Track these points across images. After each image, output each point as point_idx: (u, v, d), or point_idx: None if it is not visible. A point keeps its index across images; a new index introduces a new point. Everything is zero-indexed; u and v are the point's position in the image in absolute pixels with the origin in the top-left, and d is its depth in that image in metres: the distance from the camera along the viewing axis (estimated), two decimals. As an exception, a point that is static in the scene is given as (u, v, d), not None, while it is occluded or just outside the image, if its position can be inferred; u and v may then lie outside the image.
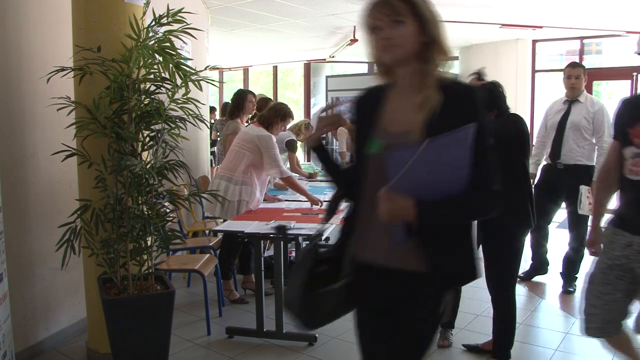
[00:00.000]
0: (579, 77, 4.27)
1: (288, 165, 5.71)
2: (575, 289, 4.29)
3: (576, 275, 4.33)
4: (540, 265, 4.57)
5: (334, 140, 6.82)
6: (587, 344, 3.38)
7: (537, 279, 4.63)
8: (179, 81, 2.75)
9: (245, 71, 12.25)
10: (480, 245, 3.03)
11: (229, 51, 9.84)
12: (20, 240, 3.02)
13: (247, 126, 4.60)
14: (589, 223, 2.67)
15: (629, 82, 7.34)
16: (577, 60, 6.59)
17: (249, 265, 4.28)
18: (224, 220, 3.91)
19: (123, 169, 2.69)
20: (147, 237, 2.86)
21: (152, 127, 2.84)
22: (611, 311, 2.31)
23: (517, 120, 3.00)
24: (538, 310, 3.97)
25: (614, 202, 2.48)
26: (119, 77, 2.71)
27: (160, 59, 2.71)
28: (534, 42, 8.36)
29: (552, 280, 4.51)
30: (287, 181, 4.21)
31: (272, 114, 4.17)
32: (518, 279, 3.65)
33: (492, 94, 2.95)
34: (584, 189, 4.12)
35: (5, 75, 2.94)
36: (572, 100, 4.29)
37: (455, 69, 9.49)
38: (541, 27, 7.04)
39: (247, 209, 3.96)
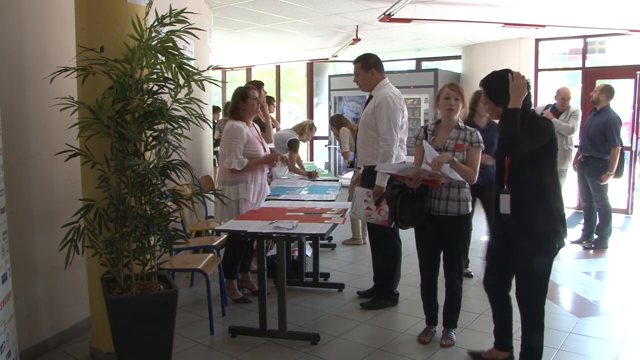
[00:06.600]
0: (357, 74, 3.82)
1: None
2: None
3: None
4: None
5: (337, 140, 6.81)
6: (590, 343, 3.38)
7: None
8: (181, 81, 2.75)
9: (248, 71, 12.27)
10: (517, 261, 2.75)
11: (232, 51, 9.85)
12: (24, 240, 3.04)
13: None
14: None
15: (632, 80, 7.31)
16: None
17: (242, 264, 4.27)
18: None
19: (126, 168, 2.70)
20: (150, 237, 2.87)
21: (155, 127, 2.85)
22: None
23: (548, 126, 2.67)
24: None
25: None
26: (122, 77, 2.71)
27: (163, 59, 2.72)
28: (537, 41, 8.33)
29: (554, 279, 4.50)
30: (234, 172, 3.97)
31: (233, 100, 4.10)
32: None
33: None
34: (360, 192, 3.74)
35: (10, 75, 2.95)
36: (370, 96, 3.81)
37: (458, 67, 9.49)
38: (544, 26, 7.02)
39: (246, 207, 3.96)
